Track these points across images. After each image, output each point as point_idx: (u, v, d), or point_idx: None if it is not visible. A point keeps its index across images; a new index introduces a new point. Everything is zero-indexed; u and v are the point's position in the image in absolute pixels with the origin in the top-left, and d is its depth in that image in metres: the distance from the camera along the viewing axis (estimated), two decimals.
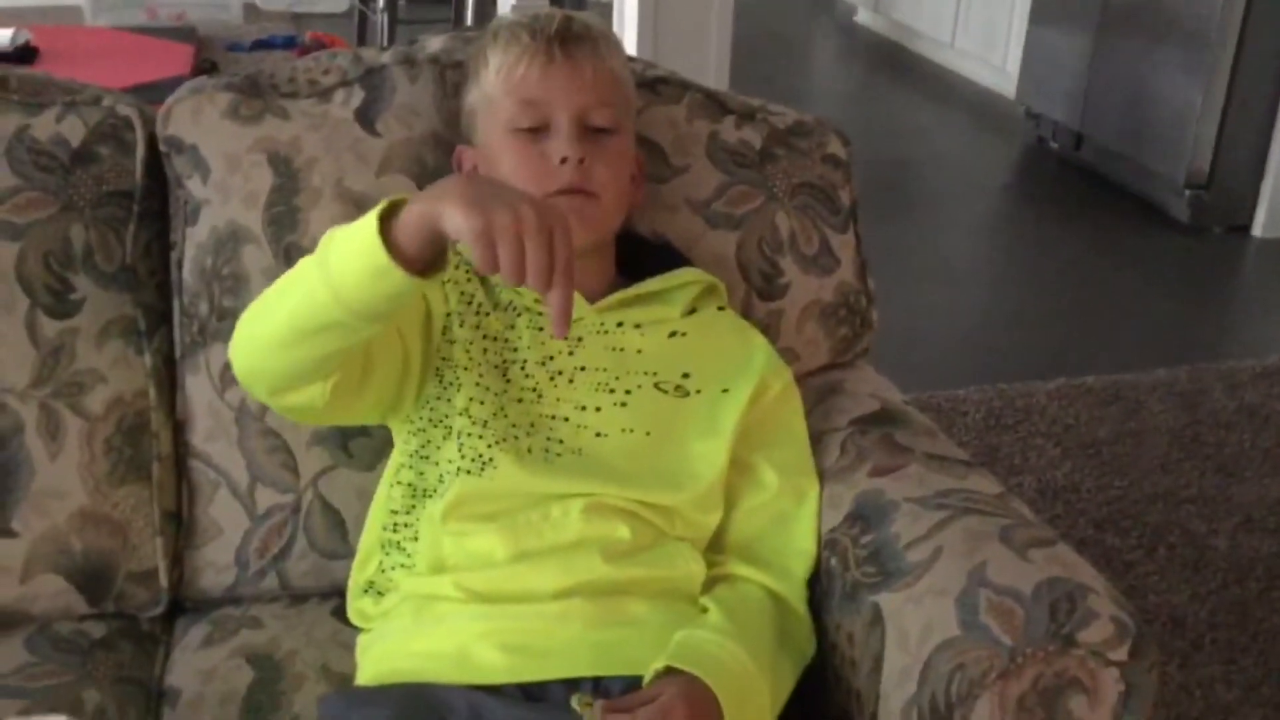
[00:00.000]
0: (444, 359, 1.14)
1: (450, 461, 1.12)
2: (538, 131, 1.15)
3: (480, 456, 1.10)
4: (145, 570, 1.23)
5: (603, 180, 1.15)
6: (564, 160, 1.13)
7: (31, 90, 1.24)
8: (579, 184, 1.14)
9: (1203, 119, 3.48)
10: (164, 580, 1.24)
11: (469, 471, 1.10)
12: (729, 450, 1.16)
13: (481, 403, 1.12)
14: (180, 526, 1.25)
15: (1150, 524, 2.25)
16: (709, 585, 1.13)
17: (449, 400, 1.13)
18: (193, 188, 1.24)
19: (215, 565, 1.26)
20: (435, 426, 1.14)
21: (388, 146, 1.26)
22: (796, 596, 1.15)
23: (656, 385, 1.17)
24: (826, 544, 1.16)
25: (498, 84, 1.16)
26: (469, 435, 1.11)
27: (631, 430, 1.14)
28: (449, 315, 1.15)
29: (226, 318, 1.23)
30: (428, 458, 1.14)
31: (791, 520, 1.19)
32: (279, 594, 1.26)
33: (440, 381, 1.14)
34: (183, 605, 1.27)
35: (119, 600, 1.23)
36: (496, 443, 1.10)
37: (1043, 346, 2.94)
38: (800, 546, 1.18)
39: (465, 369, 1.13)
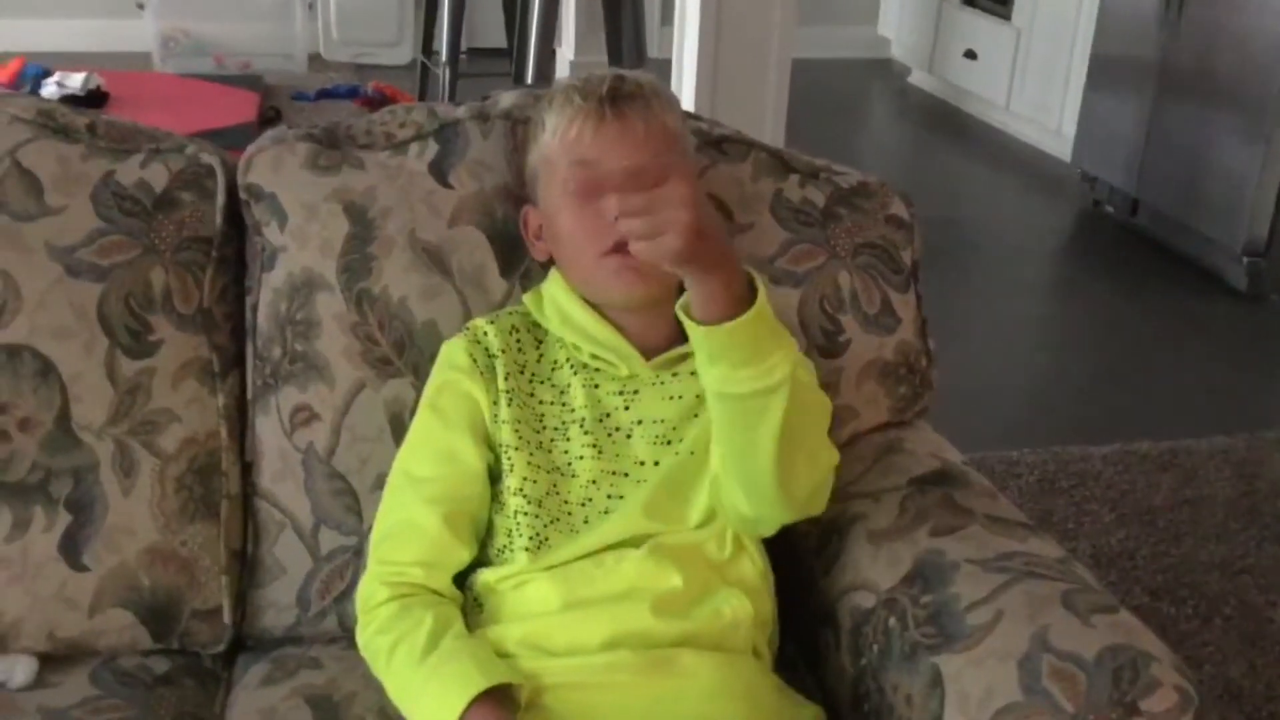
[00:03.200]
0: (496, 443, 1.17)
1: (508, 535, 1.15)
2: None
3: (537, 535, 1.13)
4: (210, 608, 1.25)
5: None
6: (618, 217, 1.15)
7: (118, 137, 1.28)
8: None
9: (1261, 186, 3.45)
10: (227, 618, 1.26)
11: (527, 549, 1.13)
12: None
13: (535, 482, 1.15)
14: (245, 565, 1.27)
15: (1207, 594, 2.22)
16: None
17: (503, 480, 1.16)
18: (270, 235, 1.27)
19: (277, 605, 1.27)
20: (495, 501, 1.17)
21: (459, 199, 1.28)
22: None
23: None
24: (885, 603, 1.16)
25: (554, 146, 1.19)
26: (524, 514, 1.14)
27: (677, 454, 1.16)
28: (495, 402, 1.17)
29: (298, 361, 1.25)
30: (490, 536, 1.18)
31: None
32: (339, 635, 1.27)
33: (495, 462, 1.18)
34: (244, 643, 1.29)
35: (183, 637, 1.25)
36: (551, 522, 1.14)
37: (1098, 411, 2.92)
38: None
39: (516, 449, 1.16)
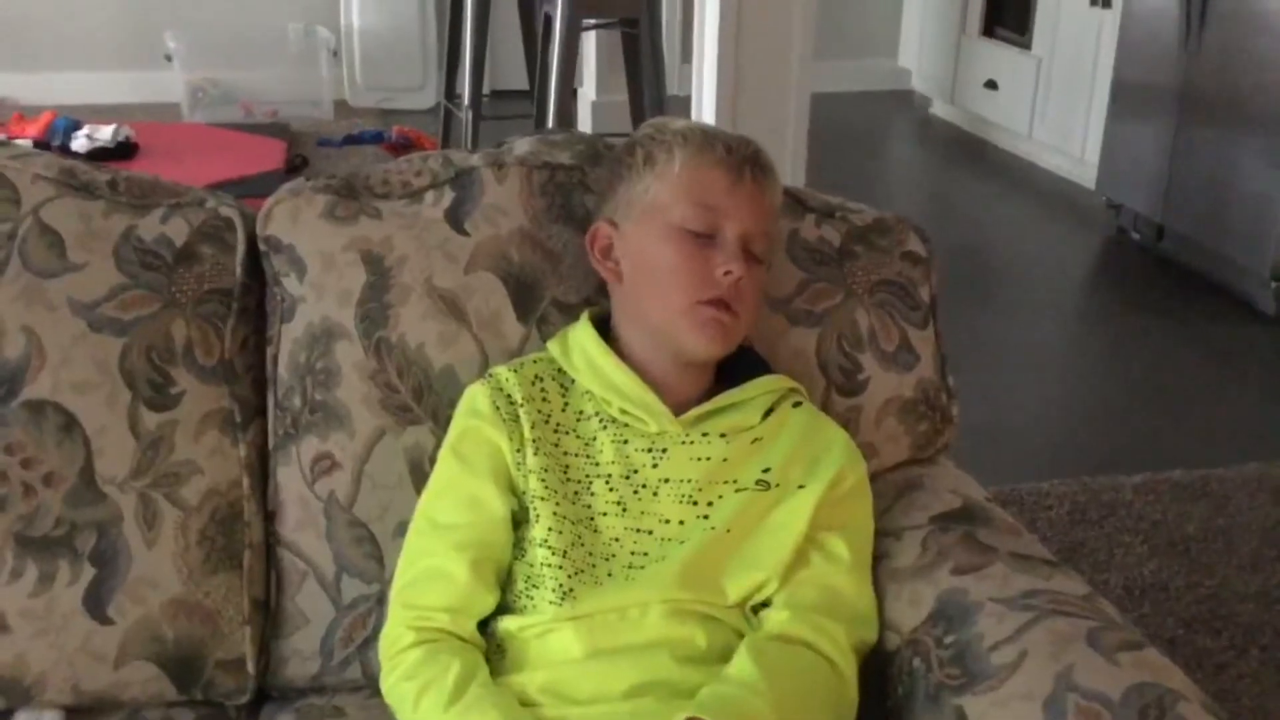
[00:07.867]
0: (521, 491, 1.17)
1: (530, 583, 1.15)
2: (701, 237, 1.18)
3: (561, 586, 1.13)
4: (234, 658, 1.25)
5: (748, 303, 1.19)
6: (727, 273, 1.16)
7: (139, 192, 1.29)
8: (730, 299, 1.17)
9: None
10: (251, 668, 1.26)
11: (551, 601, 1.13)
12: (795, 545, 1.16)
13: (560, 533, 1.14)
14: (268, 615, 1.28)
15: (1242, 624, 2.19)
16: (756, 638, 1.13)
17: (527, 528, 1.16)
18: (289, 285, 1.28)
19: (301, 654, 1.28)
20: (515, 547, 1.17)
21: (475, 245, 1.29)
22: (845, 661, 1.14)
23: (737, 490, 1.18)
24: (909, 644, 1.15)
25: (680, 180, 1.19)
26: (549, 566, 1.13)
27: (714, 528, 1.15)
28: (519, 449, 1.17)
29: (318, 410, 1.26)
30: (509, 582, 1.17)
31: (855, 590, 1.19)
32: (362, 684, 1.27)
33: (519, 509, 1.17)
34: (268, 693, 1.29)
35: (207, 688, 1.25)
36: (575, 574, 1.13)
37: (1127, 440, 2.90)
38: (864, 613, 1.18)
39: (542, 499, 1.15)
